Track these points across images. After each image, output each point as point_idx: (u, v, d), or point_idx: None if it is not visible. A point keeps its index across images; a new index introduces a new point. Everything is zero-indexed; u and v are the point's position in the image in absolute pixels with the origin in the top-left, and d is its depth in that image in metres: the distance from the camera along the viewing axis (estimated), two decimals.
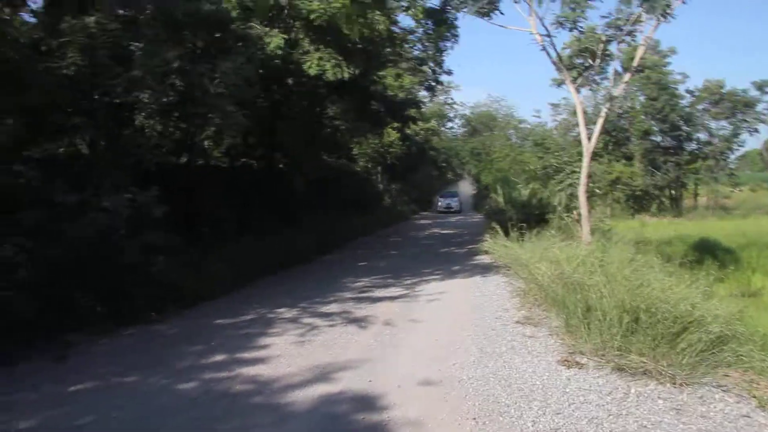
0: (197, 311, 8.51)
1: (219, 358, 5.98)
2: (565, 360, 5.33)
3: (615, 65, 12.40)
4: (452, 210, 38.54)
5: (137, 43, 9.29)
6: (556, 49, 11.74)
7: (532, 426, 4.04)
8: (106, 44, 8.32)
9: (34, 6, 9.52)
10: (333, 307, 8.35)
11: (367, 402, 4.63)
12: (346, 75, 12.42)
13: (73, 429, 4.30)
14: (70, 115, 7.72)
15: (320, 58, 12.22)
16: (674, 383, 4.55)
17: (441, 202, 40.05)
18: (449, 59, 50.21)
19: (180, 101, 9.58)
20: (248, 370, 5.51)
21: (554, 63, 12.02)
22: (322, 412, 4.48)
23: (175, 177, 11.08)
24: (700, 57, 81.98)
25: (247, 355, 6.06)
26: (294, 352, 6.10)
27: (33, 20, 9.30)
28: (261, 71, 11.25)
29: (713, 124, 38.99)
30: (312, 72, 12.11)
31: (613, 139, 36.30)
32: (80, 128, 7.68)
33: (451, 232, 20.67)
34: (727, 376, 4.59)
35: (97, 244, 7.21)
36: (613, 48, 11.55)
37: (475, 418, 4.21)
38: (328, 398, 4.75)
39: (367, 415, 4.38)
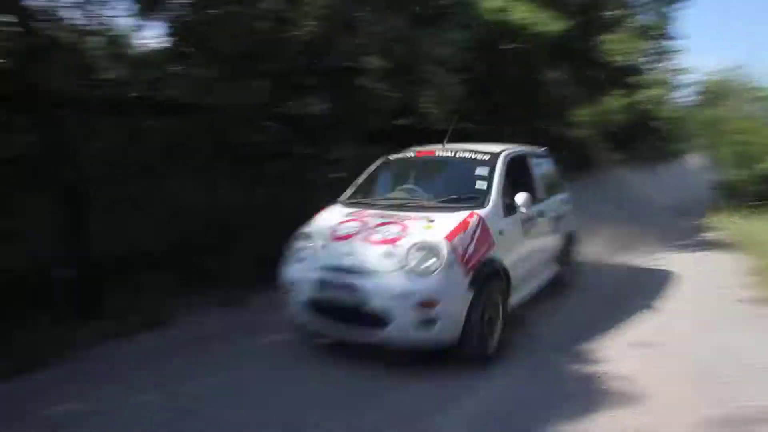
0: None
1: None
2: None
3: None
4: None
5: (362, 13, 9.90)
6: None
7: (752, 402, 3.74)
8: (338, 13, 9.03)
9: None
10: None
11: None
12: (553, 28, 11.91)
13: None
14: (306, 78, 8.61)
15: (524, 10, 11.95)
16: None
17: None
18: (683, 22, 45.19)
19: (399, 67, 10.03)
20: None
21: None
22: None
23: (395, 138, 11.65)
24: None
25: None
26: None
27: None
28: (478, 36, 11.27)
29: None
30: (517, 22, 11.91)
31: None
32: (315, 90, 8.54)
33: (674, 203, 18.75)
34: None
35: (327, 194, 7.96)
36: None
37: (692, 383, 4.05)
38: None
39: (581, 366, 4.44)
